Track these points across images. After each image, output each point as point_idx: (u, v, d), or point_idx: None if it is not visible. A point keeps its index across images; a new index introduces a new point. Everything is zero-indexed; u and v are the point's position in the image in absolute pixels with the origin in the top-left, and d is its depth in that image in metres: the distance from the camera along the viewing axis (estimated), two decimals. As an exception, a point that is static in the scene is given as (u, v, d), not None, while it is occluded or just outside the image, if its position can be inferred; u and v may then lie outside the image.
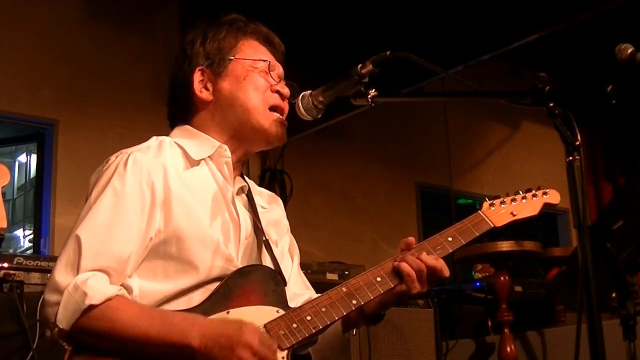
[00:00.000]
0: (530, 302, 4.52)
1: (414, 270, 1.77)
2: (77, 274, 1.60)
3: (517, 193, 2.03)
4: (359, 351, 3.59)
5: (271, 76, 1.91)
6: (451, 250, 1.87)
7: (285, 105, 1.91)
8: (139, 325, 1.58)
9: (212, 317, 1.67)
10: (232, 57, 1.90)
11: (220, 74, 1.89)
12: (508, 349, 3.83)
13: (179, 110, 1.93)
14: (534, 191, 2.04)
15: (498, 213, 1.97)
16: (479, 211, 1.97)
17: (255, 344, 1.58)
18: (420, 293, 1.79)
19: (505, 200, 2.00)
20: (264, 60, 1.92)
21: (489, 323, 4.37)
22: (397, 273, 1.79)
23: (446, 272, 1.81)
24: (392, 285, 1.78)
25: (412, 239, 1.85)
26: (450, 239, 1.87)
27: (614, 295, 2.26)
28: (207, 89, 1.89)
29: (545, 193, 2.05)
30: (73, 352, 1.61)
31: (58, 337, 1.59)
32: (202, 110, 1.90)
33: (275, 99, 1.89)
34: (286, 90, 1.89)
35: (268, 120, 1.87)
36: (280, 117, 1.90)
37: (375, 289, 1.77)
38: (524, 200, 2.02)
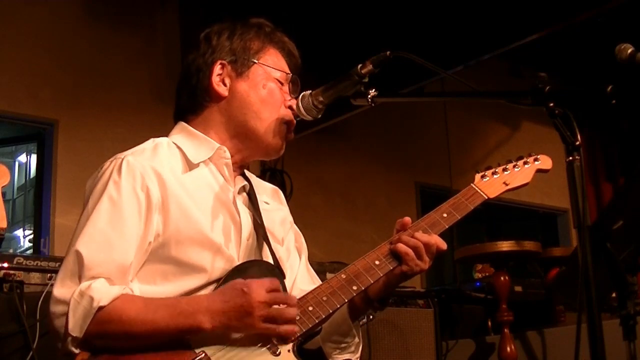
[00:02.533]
0: (530, 302, 4.51)
1: (411, 248, 1.77)
2: (80, 283, 1.61)
3: (508, 162, 2.01)
4: (359, 351, 3.59)
5: (288, 90, 1.92)
6: (447, 227, 1.87)
7: (294, 120, 1.91)
8: (147, 319, 1.59)
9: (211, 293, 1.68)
10: (256, 61, 1.90)
11: (241, 74, 1.89)
12: (508, 349, 3.83)
13: (190, 99, 1.91)
14: (525, 158, 2.02)
15: (491, 184, 1.95)
16: (472, 184, 1.96)
17: (266, 297, 1.59)
18: (422, 270, 1.79)
19: (497, 170, 1.98)
20: (286, 73, 1.92)
21: (489, 323, 4.37)
22: (395, 254, 1.79)
23: (443, 245, 1.81)
24: (391, 268, 1.78)
25: (407, 219, 1.85)
26: (445, 215, 1.87)
27: (614, 295, 2.26)
28: (224, 84, 1.88)
29: (536, 159, 2.02)
30: (86, 358, 1.60)
31: (72, 346, 1.58)
32: (212, 104, 1.89)
33: (288, 115, 1.89)
34: None
35: (274, 133, 1.87)
36: (288, 133, 1.90)
37: (375, 272, 1.78)
38: (516, 169, 1.99)
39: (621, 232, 2.24)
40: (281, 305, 1.62)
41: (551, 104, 1.52)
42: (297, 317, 1.68)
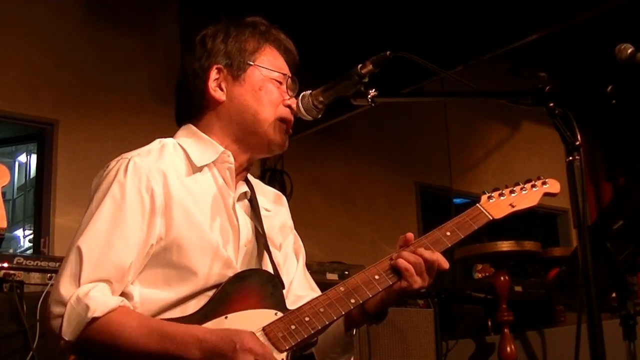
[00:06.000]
0: (530, 302, 4.52)
1: (412, 264, 1.75)
2: (79, 285, 1.60)
3: (516, 184, 2.00)
4: (359, 351, 3.59)
5: (285, 89, 1.91)
6: (450, 245, 1.85)
7: (292, 118, 1.90)
8: (139, 340, 1.58)
9: (209, 323, 1.66)
10: (252, 63, 1.88)
11: (237, 78, 1.87)
12: (508, 349, 3.83)
13: (188, 104, 1.91)
14: (533, 182, 2.01)
15: (497, 205, 1.94)
16: (478, 204, 1.94)
17: None
18: (421, 287, 1.77)
19: (504, 192, 1.97)
20: (282, 74, 1.91)
21: (489, 323, 4.37)
22: (396, 270, 1.77)
23: (445, 264, 1.79)
24: (391, 283, 1.77)
25: (410, 235, 1.84)
26: (448, 233, 1.86)
27: (614, 295, 2.26)
28: (221, 89, 1.87)
29: (544, 183, 2.01)
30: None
31: (65, 348, 1.59)
32: (211, 109, 1.88)
33: (286, 113, 1.89)
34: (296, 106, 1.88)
35: (275, 130, 1.87)
36: (287, 127, 1.90)
37: (374, 287, 1.76)
38: (523, 192, 1.99)
39: (621, 232, 2.23)
40: None
41: (551, 104, 1.52)
42: (293, 327, 1.67)
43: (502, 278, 3.96)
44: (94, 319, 1.56)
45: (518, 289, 4.51)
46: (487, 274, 4.74)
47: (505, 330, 3.88)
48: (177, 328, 1.63)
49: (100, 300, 1.58)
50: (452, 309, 4.41)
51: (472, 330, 4.41)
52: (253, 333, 1.63)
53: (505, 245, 3.88)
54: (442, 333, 3.98)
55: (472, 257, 4.19)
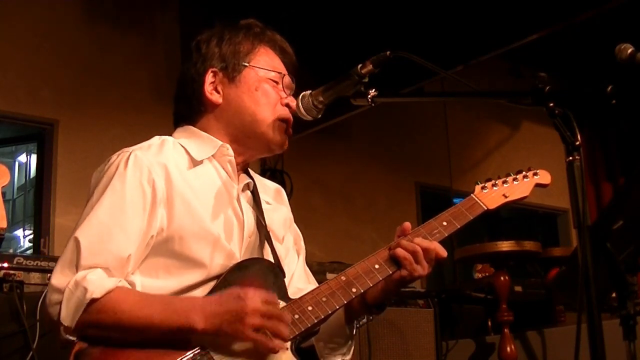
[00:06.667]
0: (530, 302, 4.52)
1: (410, 253, 1.78)
2: (76, 272, 1.61)
3: (508, 175, 2.03)
4: (359, 351, 3.59)
5: (282, 88, 1.91)
6: (446, 235, 1.88)
7: (291, 117, 1.91)
8: (140, 314, 1.59)
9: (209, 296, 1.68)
10: (247, 64, 1.89)
11: (233, 79, 1.89)
12: (508, 349, 3.83)
13: (186, 108, 1.92)
14: (524, 172, 2.04)
15: (490, 196, 1.97)
16: (472, 195, 1.97)
17: (261, 308, 1.59)
18: (421, 276, 1.79)
19: (496, 182, 2.00)
20: (278, 73, 1.92)
21: (489, 323, 4.37)
22: (394, 259, 1.79)
23: (442, 252, 1.81)
24: (391, 272, 1.79)
25: (408, 224, 1.87)
26: (445, 223, 1.89)
27: (614, 295, 2.26)
28: (217, 92, 1.89)
29: (535, 174, 2.05)
30: (84, 348, 1.61)
31: (65, 335, 1.59)
32: (209, 112, 1.90)
33: (285, 112, 1.89)
34: (295, 104, 1.88)
35: (274, 130, 1.88)
36: (287, 127, 1.91)
37: (374, 276, 1.78)
38: (515, 182, 2.02)
39: (621, 232, 2.24)
40: (274, 319, 1.61)
41: (551, 104, 1.52)
42: (296, 317, 1.69)
43: (502, 278, 3.96)
44: (93, 300, 1.57)
45: (518, 289, 4.51)
46: (487, 274, 4.74)
47: (505, 330, 3.88)
48: (177, 299, 1.65)
49: (97, 282, 1.59)
50: (452, 309, 4.41)
51: (472, 330, 4.40)
52: (254, 290, 1.63)
53: (505, 245, 3.88)
54: (442, 333, 3.98)
55: (472, 257, 4.19)
